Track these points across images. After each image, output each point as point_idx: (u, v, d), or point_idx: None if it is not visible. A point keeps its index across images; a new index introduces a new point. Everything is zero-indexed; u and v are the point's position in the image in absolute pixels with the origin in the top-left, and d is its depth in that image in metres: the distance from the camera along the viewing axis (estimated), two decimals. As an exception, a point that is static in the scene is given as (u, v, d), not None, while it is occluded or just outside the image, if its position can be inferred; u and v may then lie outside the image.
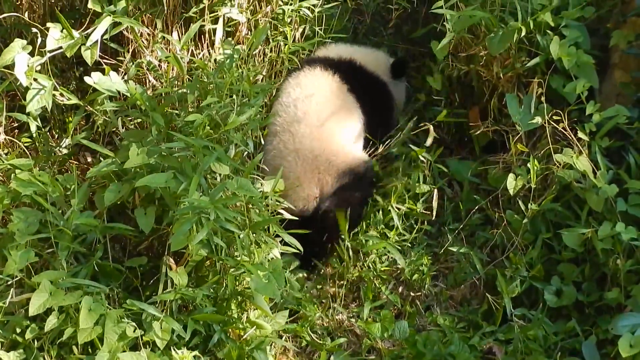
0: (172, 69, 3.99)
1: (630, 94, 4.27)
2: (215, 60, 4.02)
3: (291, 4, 4.26)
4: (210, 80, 3.78)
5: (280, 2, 4.28)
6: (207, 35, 4.20)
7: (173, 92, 3.86)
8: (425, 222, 4.28)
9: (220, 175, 3.56)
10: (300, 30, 4.34)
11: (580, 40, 4.25)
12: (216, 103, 3.65)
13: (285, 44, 4.25)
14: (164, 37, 4.16)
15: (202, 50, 4.18)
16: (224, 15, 4.14)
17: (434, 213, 4.21)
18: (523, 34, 4.18)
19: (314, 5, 4.29)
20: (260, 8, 4.31)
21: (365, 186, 4.30)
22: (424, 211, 4.26)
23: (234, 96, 3.71)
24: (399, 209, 4.22)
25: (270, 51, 4.33)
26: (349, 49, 4.70)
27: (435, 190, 4.22)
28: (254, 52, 4.21)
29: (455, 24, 4.22)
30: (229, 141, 3.69)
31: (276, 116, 4.30)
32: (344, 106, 4.42)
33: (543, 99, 4.16)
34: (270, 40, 4.29)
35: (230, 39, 4.22)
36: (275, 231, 3.69)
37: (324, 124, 4.30)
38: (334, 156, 4.26)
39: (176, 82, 3.96)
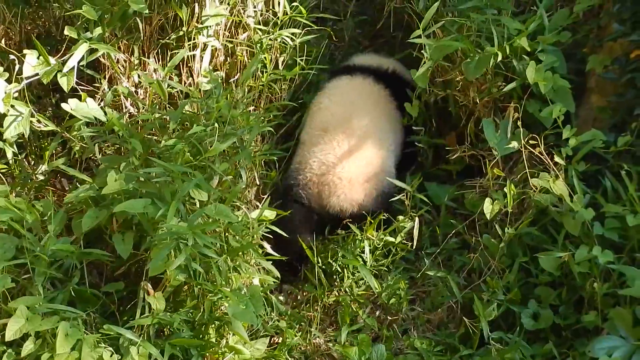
0: (154, 95, 4.16)
1: (606, 118, 4.44)
2: (198, 87, 4.19)
3: (271, 32, 4.43)
4: (195, 109, 3.96)
5: (259, 31, 4.44)
6: (184, 62, 4.36)
7: (154, 119, 4.01)
8: (406, 250, 4.43)
9: (199, 201, 3.70)
10: (281, 58, 4.51)
11: (557, 65, 4.42)
12: (202, 131, 3.81)
13: (264, 72, 4.41)
14: (142, 63, 4.31)
15: (181, 78, 4.34)
16: (210, 45, 4.32)
17: (414, 243, 4.35)
18: (499, 59, 4.32)
19: (294, 34, 4.44)
20: (237, 34, 4.48)
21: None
22: (403, 242, 4.41)
23: (216, 124, 3.86)
24: (380, 239, 4.39)
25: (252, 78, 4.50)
26: (393, 62, 5.08)
27: (417, 220, 4.36)
28: (231, 80, 4.38)
29: (433, 53, 4.38)
30: (213, 170, 3.84)
31: (327, 111, 4.66)
32: (393, 122, 4.80)
33: (519, 123, 4.30)
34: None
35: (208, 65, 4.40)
36: (255, 257, 3.87)
37: (377, 136, 4.63)
38: (381, 171, 4.60)
39: (157, 108, 4.11)
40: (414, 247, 4.40)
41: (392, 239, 4.36)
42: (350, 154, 4.58)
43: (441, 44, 4.40)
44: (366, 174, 4.57)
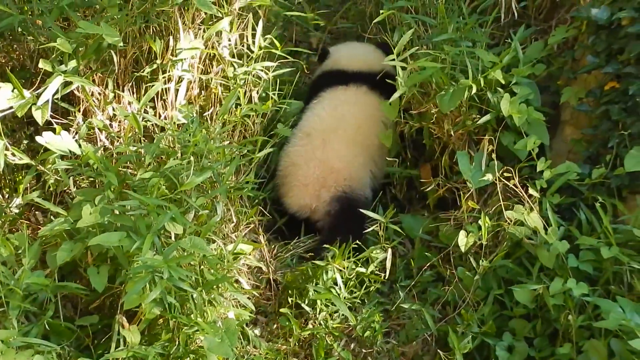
0: (128, 127, 4.28)
1: (581, 151, 4.60)
2: (173, 120, 4.32)
3: (245, 66, 4.57)
4: (170, 142, 4.12)
5: (233, 64, 4.58)
6: (159, 94, 4.48)
7: (129, 152, 4.14)
8: (380, 282, 4.53)
9: (175, 234, 3.84)
10: (255, 92, 4.65)
11: (531, 98, 4.60)
12: (178, 165, 3.96)
13: (239, 106, 4.55)
14: (117, 96, 4.43)
15: (156, 110, 4.47)
16: (185, 78, 4.46)
17: (387, 274, 4.47)
18: (474, 91, 4.49)
19: (267, 68, 4.59)
20: (212, 67, 4.62)
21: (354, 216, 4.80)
22: (376, 273, 4.52)
23: (192, 157, 4.00)
24: (352, 269, 4.50)
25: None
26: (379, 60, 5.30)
27: (389, 251, 4.47)
28: (206, 114, 4.52)
29: (407, 80, 4.56)
30: (189, 203, 3.97)
31: (316, 117, 5.04)
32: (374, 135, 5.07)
33: (494, 156, 4.46)
34: (223, 101, 4.57)
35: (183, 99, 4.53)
36: (231, 290, 4.01)
37: (354, 147, 4.95)
38: (344, 179, 4.95)
39: (132, 141, 4.24)
40: (386, 278, 4.51)
41: (363, 270, 4.48)
42: (317, 159, 4.97)
43: (416, 64, 4.55)
44: (325, 180, 4.92)
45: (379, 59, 5.27)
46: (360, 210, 4.62)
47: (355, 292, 4.50)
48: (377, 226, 4.65)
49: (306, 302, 4.41)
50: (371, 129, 5.11)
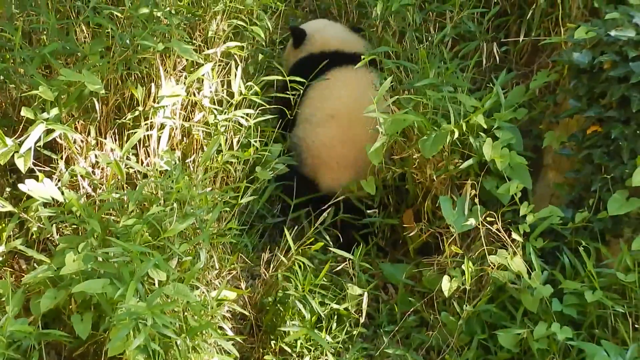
0: (111, 174, 4.43)
1: (563, 195, 4.76)
2: (156, 167, 4.47)
3: (226, 112, 4.73)
4: (153, 189, 4.31)
5: (214, 111, 4.74)
6: (141, 141, 4.62)
7: (112, 199, 4.29)
8: (360, 324, 4.64)
9: (158, 281, 3.97)
10: (236, 138, 4.80)
11: (513, 142, 4.74)
12: (161, 212, 4.12)
13: (220, 152, 4.69)
14: (99, 143, 4.57)
15: (138, 157, 4.61)
16: (167, 125, 4.62)
17: (363, 314, 4.59)
18: (456, 136, 4.61)
19: (248, 115, 4.76)
20: (194, 114, 4.78)
21: None
22: (353, 313, 4.65)
23: (175, 204, 4.17)
24: (332, 308, 4.63)
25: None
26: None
27: (365, 295, 4.60)
28: (188, 160, 4.68)
29: (388, 127, 4.72)
30: (172, 250, 4.12)
31: (331, 100, 5.33)
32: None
33: (477, 200, 4.58)
34: (205, 148, 4.74)
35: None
36: (215, 337, 4.13)
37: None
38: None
39: (115, 188, 4.39)
40: (362, 319, 4.62)
41: (337, 307, 4.62)
42: (349, 140, 5.35)
43: (396, 117, 4.71)
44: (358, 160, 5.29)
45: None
46: None
47: (338, 337, 4.60)
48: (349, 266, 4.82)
49: (287, 341, 4.53)
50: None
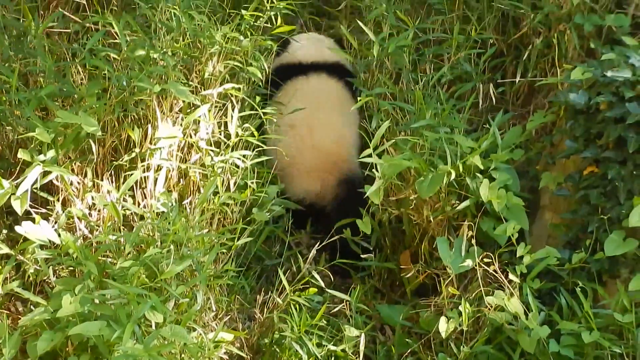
0: (107, 216, 4.50)
1: (560, 235, 4.82)
2: (152, 209, 4.53)
3: (223, 154, 4.80)
4: (150, 230, 4.37)
5: (211, 152, 4.80)
6: (138, 183, 4.67)
7: (109, 241, 4.34)
8: None
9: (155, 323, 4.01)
10: (233, 180, 4.86)
11: (510, 183, 4.80)
12: (157, 254, 4.17)
13: (217, 194, 4.75)
14: (96, 185, 4.63)
15: (135, 199, 4.66)
16: (163, 167, 4.67)
17: (361, 356, 4.59)
18: (452, 177, 4.67)
19: (244, 156, 4.83)
20: (190, 155, 4.84)
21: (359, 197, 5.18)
22: (351, 355, 4.65)
23: (172, 246, 4.21)
24: (329, 350, 4.64)
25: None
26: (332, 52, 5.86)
27: (362, 336, 4.60)
28: (185, 202, 4.73)
29: (385, 170, 4.76)
30: (169, 292, 4.16)
31: (294, 110, 5.44)
32: (352, 113, 5.60)
33: (474, 241, 4.63)
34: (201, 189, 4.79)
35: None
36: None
37: (340, 126, 5.46)
38: (342, 161, 5.45)
39: (111, 230, 4.44)
40: None
41: (334, 348, 4.63)
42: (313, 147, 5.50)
43: (393, 162, 4.77)
44: (325, 164, 5.47)
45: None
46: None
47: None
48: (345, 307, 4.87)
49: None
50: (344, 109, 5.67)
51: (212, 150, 4.87)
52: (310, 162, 5.62)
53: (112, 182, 4.77)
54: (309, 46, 6.07)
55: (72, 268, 4.46)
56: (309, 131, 5.66)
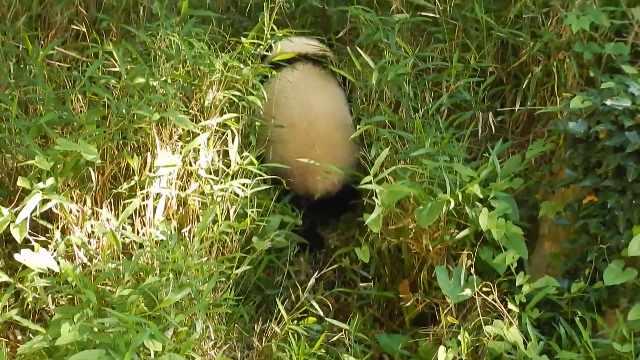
0: (106, 244, 4.56)
1: (559, 265, 4.85)
2: (152, 237, 4.57)
3: (222, 182, 4.85)
4: (149, 259, 4.42)
5: (210, 180, 4.85)
6: (137, 211, 4.72)
7: (107, 269, 4.39)
8: None
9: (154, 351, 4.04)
10: (232, 209, 4.90)
11: (509, 212, 4.84)
12: (156, 282, 4.22)
13: (217, 223, 4.81)
14: (95, 213, 4.68)
15: (134, 227, 4.71)
16: (162, 195, 4.73)
17: None
18: (452, 206, 4.72)
19: (244, 185, 4.88)
20: (189, 183, 4.90)
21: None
22: None
23: (171, 274, 4.27)
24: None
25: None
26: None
27: None
28: (184, 230, 4.78)
29: (385, 198, 4.80)
30: (168, 321, 4.20)
31: (290, 109, 5.64)
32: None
33: (473, 270, 4.69)
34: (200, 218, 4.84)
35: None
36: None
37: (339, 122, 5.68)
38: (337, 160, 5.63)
39: (110, 258, 4.49)
40: None
41: None
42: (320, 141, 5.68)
43: (392, 189, 4.81)
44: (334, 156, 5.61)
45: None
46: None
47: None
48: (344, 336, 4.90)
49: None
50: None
51: (211, 179, 4.92)
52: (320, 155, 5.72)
53: (111, 210, 4.82)
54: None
55: (71, 296, 4.51)
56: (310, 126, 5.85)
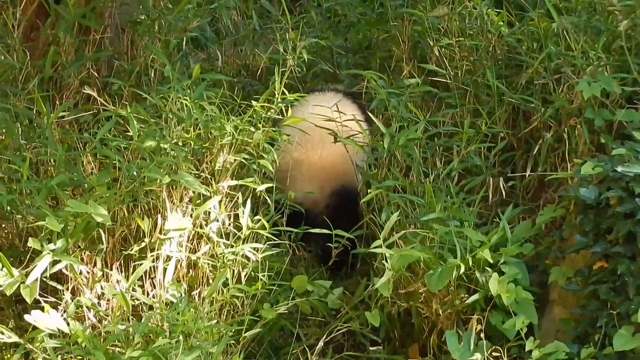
0: (116, 306, 4.65)
1: (569, 330, 4.91)
2: (162, 299, 4.69)
3: (233, 246, 4.94)
4: (159, 321, 4.52)
5: (221, 244, 4.95)
6: (147, 273, 4.82)
7: (117, 330, 4.47)
8: None
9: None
10: (243, 272, 5.00)
11: (519, 277, 4.94)
12: (167, 344, 4.30)
13: (227, 286, 4.89)
14: (105, 274, 4.78)
15: (144, 289, 4.81)
16: (173, 257, 4.82)
17: None
18: (462, 270, 4.81)
19: (256, 249, 4.96)
20: (200, 246, 4.99)
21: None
22: None
23: (181, 336, 4.36)
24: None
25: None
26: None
27: None
28: (194, 293, 4.87)
29: (395, 262, 4.89)
30: None
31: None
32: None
33: (482, 335, 4.78)
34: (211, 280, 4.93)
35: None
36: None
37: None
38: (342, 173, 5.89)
39: (120, 320, 4.59)
40: None
41: None
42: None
43: (403, 253, 4.90)
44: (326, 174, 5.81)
45: None
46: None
47: None
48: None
49: None
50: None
51: (222, 243, 5.01)
52: (314, 169, 5.99)
53: (121, 271, 4.91)
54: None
55: (80, 357, 4.56)
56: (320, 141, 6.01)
